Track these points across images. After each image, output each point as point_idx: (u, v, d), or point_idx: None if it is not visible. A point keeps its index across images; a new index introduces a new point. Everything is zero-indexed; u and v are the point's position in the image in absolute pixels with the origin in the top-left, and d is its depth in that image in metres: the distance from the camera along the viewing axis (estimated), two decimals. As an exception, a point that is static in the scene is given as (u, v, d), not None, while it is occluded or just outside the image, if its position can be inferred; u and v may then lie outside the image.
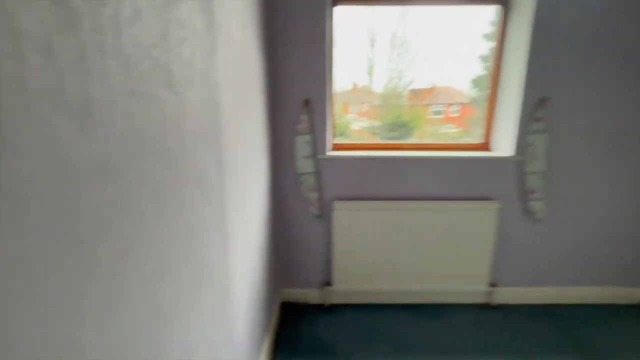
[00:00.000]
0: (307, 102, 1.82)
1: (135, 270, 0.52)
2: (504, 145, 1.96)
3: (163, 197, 0.60)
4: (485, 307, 2.06)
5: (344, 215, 1.92)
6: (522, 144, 1.87)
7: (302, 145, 1.87)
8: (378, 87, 2.19)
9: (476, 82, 2.14)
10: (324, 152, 1.90)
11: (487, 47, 2.02)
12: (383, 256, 1.98)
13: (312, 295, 2.10)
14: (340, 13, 1.88)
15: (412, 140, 2.21)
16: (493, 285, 2.06)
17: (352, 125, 2.30)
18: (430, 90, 2.23)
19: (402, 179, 1.94)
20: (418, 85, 2.19)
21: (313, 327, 1.87)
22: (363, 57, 2.08)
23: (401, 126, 2.25)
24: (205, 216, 0.80)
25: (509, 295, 2.08)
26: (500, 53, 1.96)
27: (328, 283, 2.07)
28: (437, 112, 2.27)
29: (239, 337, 1.10)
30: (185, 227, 0.69)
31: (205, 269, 0.80)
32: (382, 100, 2.22)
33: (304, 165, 1.89)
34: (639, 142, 1.88)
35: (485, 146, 2.10)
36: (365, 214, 1.92)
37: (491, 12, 1.94)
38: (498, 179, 1.95)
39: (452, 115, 2.29)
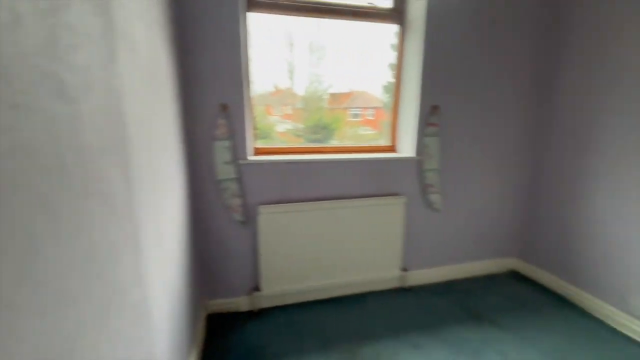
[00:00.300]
0: (224, 107, 1.79)
1: (30, 300, 0.47)
2: (407, 147, 2.24)
3: (61, 216, 0.55)
4: (400, 290, 2.32)
5: (268, 219, 1.94)
6: (421, 145, 2.17)
7: (221, 150, 1.83)
8: (300, 89, 2.25)
9: (387, 89, 2.38)
10: (245, 157, 1.89)
11: (394, 56, 2.25)
12: (307, 255, 2.06)
13: (240, 302, 2.06)
14: (256, 18, 1.90)
15: (330, 143, 2.36)
16: (405, 270, 2.34)
17: (276, 127, 2.32)
18: (348, 95, 2.39)
19: (322, 180, 2.06)
20: (337, 89, 2.31)
21: (242, 335, 1.85)
22: (283, 59, 2.11)
23: (323, 128, 2.36)
24: (114, 233, 0.75)
25: (418, 277, 2.39)
26: (400, 65, 2.23)
27: (256, 288, 2.07)
28: (355, 115, 2.45)
29: (160, 357, 1.04)
30: (90, 247, 0.64)
31: (117, 289, 0.75)
32: (304, 103, 2.29)
33: (225, 171, 1.86)
34: (506, 143, 2.36)
35: (392, 148, 2.37)
36: (289, 217, 1.97)
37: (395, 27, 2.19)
38: (403, 177, 2.21)
39: (369, 118, 2.50)
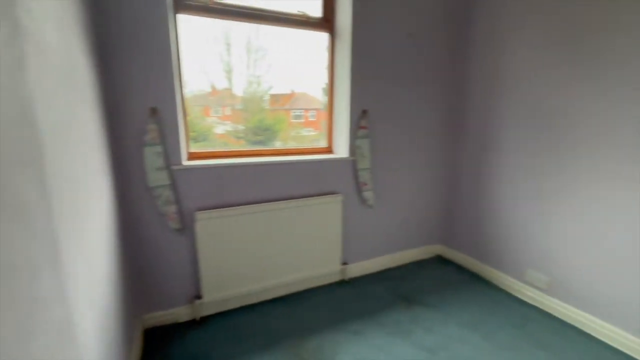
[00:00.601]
0: (153, 111, 1.72)
1: None
2: (342, 148, 2.38)
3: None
4: (341, 283, 2.46)
5: (207, 225, 1.91)
6: (354, 147, 2.33)
7: (152, 156, 1.75)
8: (239, 90, 2.21)
9: (325, 91, 2.48)
10: (179, 163, 1.84)
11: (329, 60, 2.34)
12: (250, 258, 2.08)
13: (180, 313, 2.00)
14: (189, 18, 1.85)
15: (274, 145, 2.39)
16: (345, 263, 2.48)
17: (215, 129, 2.24)
18: (290, 96, 2.43)
19: (262, 183, 2.09)
20: (278, 90, 2.32)
21: (184, 345, 1.80)
22: (220, 60, 2.06)
23: (265, 130, 2.36)
24: (30, 248, 0.70)
25: (357, 269, 2.56)
26: (332, 72, 2.37)
27: (198, 296, 2.02)
28: (298, 117, 2.51)
29: (90, 377, 0.99)
30: (2, 267, 0.60)
31: (37, 309, 0.71)
32: (244, 104, 2.26)
33: (157, 177, 1.78)
34: (427, 142, 2.65)
35: (329, 149, 2.50)
36: (228, 221, 1.97)
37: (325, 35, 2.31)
38: (340, 176, 2.36)
39: (311, 120, 2.58)
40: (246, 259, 2.07)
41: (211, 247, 1.95)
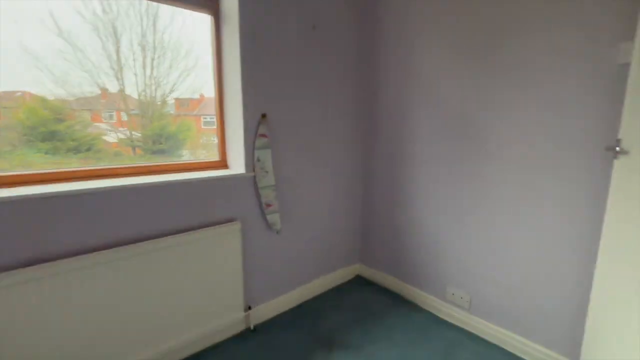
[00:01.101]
0: None
1: None
2: (238, 162, 1.88)
3: None
4: (245, 334, 1.93)
5: (13, 292, 1.17)
6: (253, 160, 1.85)
7: None
8: (134, 93, 1.72)
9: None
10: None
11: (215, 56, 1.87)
12: (104, 328, 1.39)
13: None
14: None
15: (178, 154, 1.86)
16: (249, 308, 1.96)
17: (104, 137, 1.70)
18: (199, 101, 1.98)
19: (118, 216, 1.44)
20: (184, 94, 1.87)
21: None
22: (106, 57, 1.56)
23: (169, 137, 1.87)
24: None
25: (264, 311, 2.06)
26: (220, 66, 1.86)
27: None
28: (209, 123, 2.04)
29: None
30: None
31: None
32: (141, 108, 1.77)
33: None
34: (340, 154, 2.33)
35: (223, 163, 1.96)
36: (59, 282, 1.26)
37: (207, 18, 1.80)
38: (237, 198, 1.84)
39: None
40: (97, 330, 1.38)
41: (25, 326, 1.21)
